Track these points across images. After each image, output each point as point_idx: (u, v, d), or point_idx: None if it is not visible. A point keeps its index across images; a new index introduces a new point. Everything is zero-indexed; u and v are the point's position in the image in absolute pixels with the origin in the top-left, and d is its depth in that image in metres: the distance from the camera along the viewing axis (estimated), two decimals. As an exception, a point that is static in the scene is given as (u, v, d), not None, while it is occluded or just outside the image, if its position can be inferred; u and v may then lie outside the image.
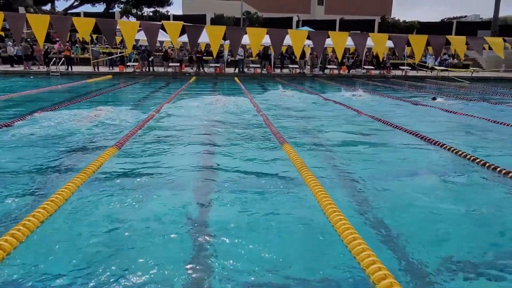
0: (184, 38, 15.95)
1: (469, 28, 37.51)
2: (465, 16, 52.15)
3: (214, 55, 13.58)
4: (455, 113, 9.80)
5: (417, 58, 12.36)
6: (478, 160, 5.25)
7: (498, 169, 4.86)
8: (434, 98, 12.66)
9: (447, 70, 25.35)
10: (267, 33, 10.97)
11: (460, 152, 5.66)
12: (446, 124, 8.59)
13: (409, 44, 12.33)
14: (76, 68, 23.23)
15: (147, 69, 23.86)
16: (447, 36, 11.88)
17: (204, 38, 14.24)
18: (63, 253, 2.81)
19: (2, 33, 22.39)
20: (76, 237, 3.05)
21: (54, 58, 21.54)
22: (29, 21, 8.81)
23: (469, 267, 2.76)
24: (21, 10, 32.34)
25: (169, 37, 10.83)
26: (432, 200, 3.99)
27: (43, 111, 8.72)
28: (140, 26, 10.27)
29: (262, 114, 9.04)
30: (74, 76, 20.65)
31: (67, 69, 22.48)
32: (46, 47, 23.68)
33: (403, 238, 3.16)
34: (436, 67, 25.71)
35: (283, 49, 25.27)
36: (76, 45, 27.06)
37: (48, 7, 45.09)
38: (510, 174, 4.66)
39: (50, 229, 3.14)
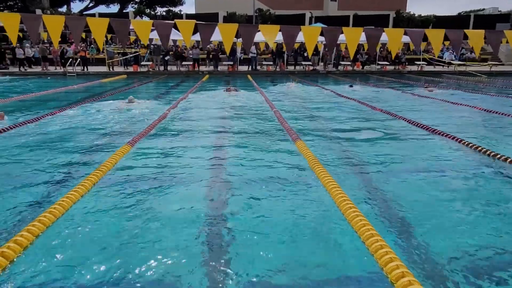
0: (197, 36, 15.99)
1: (487, 21, 36.55)
2: (483, 9, 50.90)
3: (227, 52, 13.59)
4: (472, 107, 9.56)
5: (436, 52, 12.10)
6: (497, 155, 5.10)
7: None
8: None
9: (464, 65, 24.80)
10: (279, 30, 10.88)
11: (479, 148, 5.51)
12: (462, 118, 8.40)
13: (425, 39, 12.07)
14: (91, 69, 23.56)
15: (161, 69, 24.03)
16: (465, 30, 11.58)
17: (217, 36, 14.26)
18: (78, 248, 2.83)
19: (20, 34, 22.86)
20: (92, 233, 3.07)
21: (71, 59, 21.89)
22: (45, 22, 8.93)
23: (480, 258, 2.68)
24: (38, 12, 32.94)
25: (182, 35, 10.83)
26: (448, 197, 3.89)
27: (60, 110, 8.86)
28: (153, 26, 10.31)
29: (276, 110, 8.99)
30: (90, 76, 20.94)
31: (83, 69, 22.81)
32: (62, 48, 24.10)
33: (421, 233, 3.09)
34: (453, 61, 25.17)
35: (296, 46, 25.11)
36: (92, 45, 27.43)
37: (64, 9, 45.88)
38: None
39: (65, 225, 3.17)
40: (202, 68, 25.31)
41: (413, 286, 2.22)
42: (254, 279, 2.48)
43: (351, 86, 15.30)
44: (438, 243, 2.94)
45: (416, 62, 26.38)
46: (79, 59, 22.56)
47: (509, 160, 4.89)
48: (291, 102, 11.23)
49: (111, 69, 23.59)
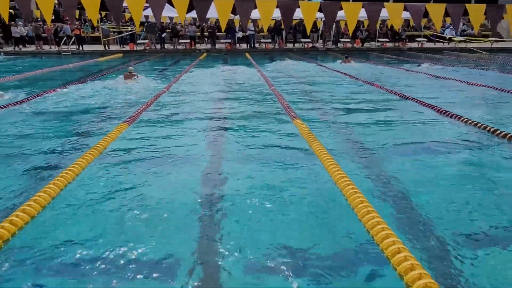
0: (194, 14, 15.68)
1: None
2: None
3: (223, 29, 13.34)
4: (470, 84, 9.46)
5: (437, 27, 11.93)
6: (497, 131, 5.07)
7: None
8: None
9: (465, 41, 24.45)
10: (277, 6, 10.66)
11: (478, 124, 5.47)
12: (461, 95, 8.32)
13: (425, 15, 11.87)
14: (87, 47, 23.19)
15: (157, 47, 23.65)
16: (466, 4, 11.36)
17: (214, 13, 13.98)
18: (73, 228, 2.81)
19: (12, 11, 22.35)
20: (87, 212, 3.05)
21: (65, 38, 21.49)
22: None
23: (486, 239, 2.68)
24: (31, -11, 32.13)
25: (177, 11, 10.60)
26: (447, 172, 3.87)
27: (55, 89, 8.75)
28: (146, 2, 10.08)
29: (274, 89, 8.89)
30: (85, 55, 20.63)
31: (78, 48, 22.44)
32: (56, 26, 23.64)
33: (419, 210, 3.08)
34: (454, 38, 24.81)
35: (295, 22, 24.66)
36: (86, 23, 26.90)
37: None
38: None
39: (62, 203, 3.15)
40: (201, 46, 24.92)
41: (408, 261, 2.22)
42: (251, 256, 2.48)
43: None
44: (436, 218, 2.94)
45: (416, 39, 25.99)
46: (73, 38, 22.16)
47: (508, 135, 4.87)
48: (289, 80, 11.10)
49: (107, 47, 23.20)
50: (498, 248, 2.59)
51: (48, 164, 4.19)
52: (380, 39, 25.84)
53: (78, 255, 2.47)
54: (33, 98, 7.68)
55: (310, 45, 25.03)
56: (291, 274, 2.30)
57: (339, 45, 25.30)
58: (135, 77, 9.97)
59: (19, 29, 23.05)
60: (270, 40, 25.36)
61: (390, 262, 2.30)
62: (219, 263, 2.41)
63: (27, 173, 3.89)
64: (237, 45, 25.07)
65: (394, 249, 2.35)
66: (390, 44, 25.88)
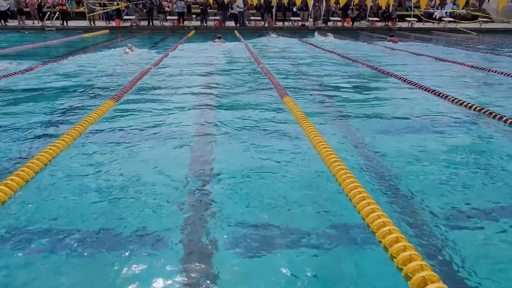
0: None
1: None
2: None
3: (212, 3, 12.97)
4: (457, 63, 9.50)
5: (422, 3, 11.82)
6: (479, 108, 5.13)
7: (497, 116, 4.75)
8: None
9: (454, 22, 24.41)
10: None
11: (461, 102, 5.52)
12: (447, 74, 8.35)
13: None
14: (71, 23, 22.51)
15: (145, 23, 23.06)
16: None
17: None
18: (56, 203, 2.78)
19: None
20: (70, 189, 3.01)
21: (49, 12, 20.79)
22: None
23: (473, 216, 2.74)
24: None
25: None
26: (432, 149, 3.92)
27: (39, 66, 8.51)
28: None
29: (262, 66, 8.80)
30: (70, 31, 20.05)
31: (63, 23, 21.78)
32: (39, 0, 22.81)
33: (404, 186, 3.12)
34: (443, 18, 24.73)
35: (285, 0, 24.26)
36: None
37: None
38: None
39: (45, 179, 3.11)
40: (190, 23, 24.37)
41: (393, 234, 2.26)
42: (240, 231, 2.49)
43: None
44: (420, 194, 2.98)
45: (406, 19, 25.85)
46: (58, 13, 21.45)
47: (493, 114, 4.93)
48: (278, 58, 10.98)
49: (92, 23, 22.56)
50: (484, 224, 2.65)
51: (30, 140, 4.11)
52: (370, 18, 25.62)
53: (59, 234, 2.45)
54: (15, 75, 7.47)
55: (300, 23, 24.71)
56: (280, 252, 2.32)
57: (329, 23, 25.03)
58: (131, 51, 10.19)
59: (0, 3, 22.21)
60: (259, 18, 24.94)
61: (376, 236, 2.34)
62: (206, 240, 2.42)
63: (8, 150, 3.81)
64: (226, 22, 24.60)
65: (379, 223, 2.39)
66: (380, 24, 25.70)
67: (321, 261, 2.24)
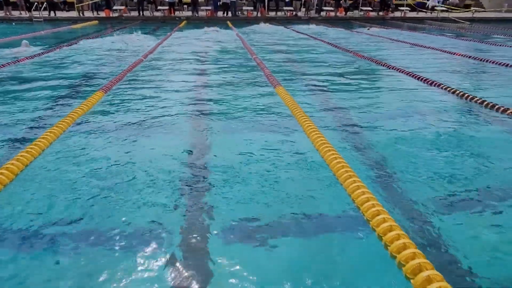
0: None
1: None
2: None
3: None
4: (448, 52, 9.50)
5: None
6: (473, 97, 5.13)
7: (489, 104, 4.77)
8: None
9: (447, 11, 24.41)
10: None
11: (456, 91, 5.52)
12: (439, 64, 8.36)
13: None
14: (60, 14, 22.12)
15: (136, 14, 22.73)
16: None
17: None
18: (47, 196, 2.73)
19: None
20: (62, 180, 2.96)
21: (36, 3, 20.38)
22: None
23: (466, 205, 2.75)
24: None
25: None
26: (426, 139, 3.92)
27: (26, 58, 8.35)
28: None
29: (255, 57, 8.72)
30: (58, 22, 19.70)
31: (50, 14, 21.39)
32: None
33: (399, 176, 3.12)
34: (436, 7, 24.71)
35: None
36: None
37: None
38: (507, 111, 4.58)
39: (35, 172, 3.05)
40: (181, 13, 24.05)
41: (387, 223, 2.25)
42: (235, 219, 2.47)
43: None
44: (414, 184, 2.98)
45: (399, 8, 25.79)
46: (45, 3, 21.03)
47: (485, 103, 4.94)
48: (271, 48, 10.90)
49: (81, 14, 22.18)
50: (474, 211, 2.65)
51: (19, 132, 4.03)
52: (363, 8, 25.51)
53: (51, 226, 2.41)
54: (1, 68, 7.33)
55: (293, 13, 24.54)
56: (273, 237, 2.31)
57: (322, 13, 24.89)
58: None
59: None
60: (252, 8, 24.71)
61: (370, 225, 2.33)
62: (202, 229, 2.40)
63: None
64: (218, 13, 24.35)
65: (374, 212, 2.37)
66: (373, 13, 25.61)
67: (315, 251, 2.23)
